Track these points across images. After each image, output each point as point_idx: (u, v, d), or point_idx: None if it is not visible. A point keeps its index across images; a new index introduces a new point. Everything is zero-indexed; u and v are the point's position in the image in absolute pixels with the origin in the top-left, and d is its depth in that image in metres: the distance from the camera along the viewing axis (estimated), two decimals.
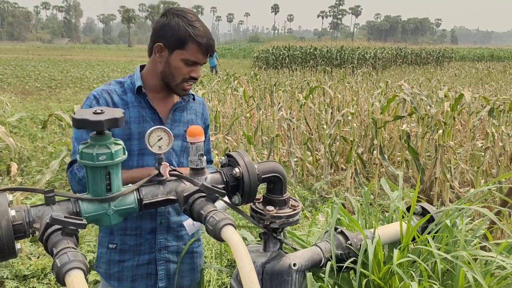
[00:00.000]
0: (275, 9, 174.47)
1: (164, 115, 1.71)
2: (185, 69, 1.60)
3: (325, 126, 6.58)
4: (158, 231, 1.70)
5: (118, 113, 1.04)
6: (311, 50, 28.85)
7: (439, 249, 1.30)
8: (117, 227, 1.66)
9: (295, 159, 6.35)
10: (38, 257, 3.64)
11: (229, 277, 1.87)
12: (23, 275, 3.37)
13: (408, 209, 1.50)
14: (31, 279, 3.34)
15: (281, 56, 28.71)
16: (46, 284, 3.30)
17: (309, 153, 6.56)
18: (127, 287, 1.72)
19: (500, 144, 6.30)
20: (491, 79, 19.03)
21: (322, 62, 27.91)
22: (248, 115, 7.44)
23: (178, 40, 1.57)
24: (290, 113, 8.47)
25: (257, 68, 25.64)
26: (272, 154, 6.19)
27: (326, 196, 5.36)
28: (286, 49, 29.22)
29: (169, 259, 1.74)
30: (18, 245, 0.98)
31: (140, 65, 1.76)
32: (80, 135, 1.65)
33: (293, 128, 7.38)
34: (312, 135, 7.47)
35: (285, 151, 6.77)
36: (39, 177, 4.38)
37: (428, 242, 1.30)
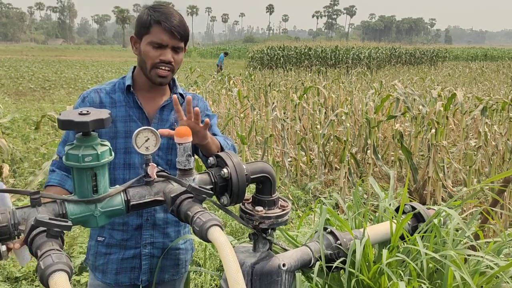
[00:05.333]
0: (270, 9, 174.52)
1: (151, 115, 1.71)
2: (152, 52, 1.60)
3: (319, 126, 6.59)
4: (144, 228, 1.72)
5: (104, 114, 1.03)
6: (306, 50, 28.91)
7: (427, 248, 1.30)
8: None
9: (289, 159, 6.35)
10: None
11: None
12: (14, 277, 3.35)
13: (398, 209, 1.50)
14: (23, 281, 3.32)
15: (276, 56, 28.74)
16: (37, 286, 3.28)
17: (303, 153, 6.56)
18: (111, 280, 1.74)
19: (493, 143, 6.34)
20: (485, 79, 19.14)
21: (317, 62, 27.98)
22: (242, 115, 7.44)
23: (143, 26, 1.60)
24: (284, 113, 8.48)
25: (251, 68, 25.63)
26: (266, 154, 6.19)
27: (320, 196, 5.37)
28: (280, 49, 29.25)
29: (154, 254, 1.75)
30: (3, 248, 0.98)
31: (134, 66, 1.77)
32: (66, 135, 1.69)
33: (287, 128, 7.39)
34: (306, 135, 7.48)
35: (279, 151, 6.77)
36: (32, 179, 4.34)
37: (417, 241, 1.30)
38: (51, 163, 1.74)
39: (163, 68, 1.60)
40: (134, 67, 1.76)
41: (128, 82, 1.68)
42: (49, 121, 8.32)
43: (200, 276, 3.38)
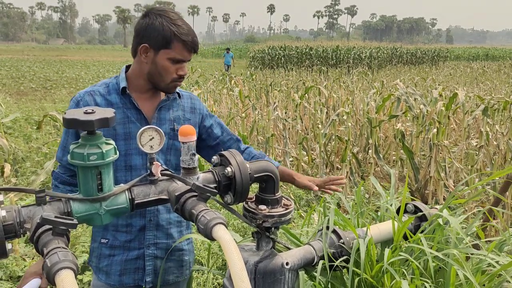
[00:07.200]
0: (271, 9, 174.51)
1: (150, 115, 1.70)
2: (172, 67, 1.61)
3: (320, 126, 6.59)
4: (148, 229, 1.72)
5: (109, 112, 1.03)
6: (307, 50, 28.92)
7: (431, 248, 1.31)
8: (110, 224, 1.67)
9: (290, 159, 6.36)
10: (32, 258, 3.62)
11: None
12: (17, 276, 3.36)
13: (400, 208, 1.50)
14: None
15: (277, 56, 28.76)
16: None
17: (305, 153, 6.57)
18: (114, 281, 1.73)
19: (494, 143, 6.34)
20: (486, 78, 19.12)
21: (318, 62, 27.99)
22: (243, 115, 7.45)
23: (164, 40, 1.58)
24: (285, 113, 8.49)
25: (253, 68, 25.65)
26: (267, 154, 6.19)
27: (321, 195, 5.37)
28: (282, 49, 29.27)
29: (157, 255, 1.75)
30: (9, 246, 0.98)
31: (126, 66, 1.74)
32: (65, 140, 1.70)
33: (289, 128, 7.39)
34: (307, 134, 7.48)
35: (280, 150, 6.78)
36: (34, 178, 4.36)
37: (421, 240, 1.30)
38: (52, 175, 1.73)
39: (180, 81, 1.66)
40: (126, 67, 1.74)
41: (122, 83, 1.66)
42: (50, 121, 8.34)
43: (202, 275, 3.39)
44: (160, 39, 1.58)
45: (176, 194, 1.09)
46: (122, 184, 1.14)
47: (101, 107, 1.61)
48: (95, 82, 18.32)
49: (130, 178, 1.64)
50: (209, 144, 1.86)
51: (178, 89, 1.79)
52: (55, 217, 0.91)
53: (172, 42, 1.57)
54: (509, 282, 1.28)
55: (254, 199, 1.31)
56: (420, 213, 1.49)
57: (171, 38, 1.57)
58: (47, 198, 1.03)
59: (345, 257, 1.32)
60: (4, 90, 15.35)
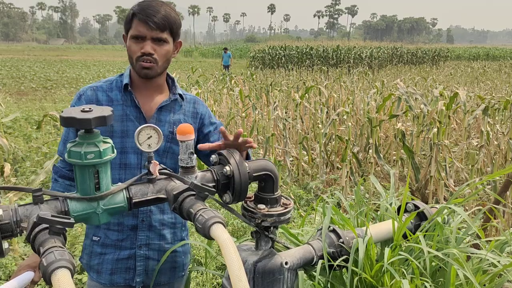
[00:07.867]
0: (272, 9, 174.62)
1: (149, 114, 1.68)
2: (134, 46, 1.60)
3: (320, 125, 6.58)
4: (140, 229, 1.70)
5: (106, 111, 1.03)
6: (307, 50, 28.89)
7: (430, 247, 1.30)
8: None
9: (290, 159, 6.35)
10: None
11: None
12: None
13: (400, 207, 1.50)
14: None
15: (277, 56, 28.74)
16: (39, 285, 3.28)
17: (305, 152, 6.56)
18: (105, 280, 1.72)
19: (495, 142, 6.32)
20: (487, 78, 19.10)
21: (318, 61, 27.96)
22: (244, 114, 7.44)
23: (126, 22, 1.62)
24: (286, 112, 8.48)
25: (253, 68, 25.64)
26: (267, 153, 6.18)
27: (321, 195, 5.36)
28: (282, 49, 29.25)
29: (149, 256, 1.73)
30: (5, 245, 0.98)
31: None
32: (66, 134, 1.68)
33: (289, 128, 7.38)
34: (307, 134, 7.47)
35: (280, 150, 6.77)
36: (33, 178, 4.36)
37: (420, 240, 1.29)
38: (53, 169, 1.72)
39: (145, 60, 1.59)
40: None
41: (125, 80, 1.66)
42: (51, 121, 8.34)
43: (201, 275, 3.38)
44: (125, 22, 1.64)
45: (174, 193, 1.08)
46: (119, 183, 1.13)
47: (102, 103, 1.63)
48: (95, 82, 18.35)
49: (125, 176, 1.63)
50: (203, 153, 1.83)
51: (183, 92, 1.77)
52: (52, 216, 0.91)
53: (132, 21, 1.59)
54: (510, 282, 1.27)
55: (253, 198, 1.30)
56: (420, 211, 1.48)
57: (130, 17, 1.60)
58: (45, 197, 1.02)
59: (344, 257, 1.31)
60: (5, 90, 15.35)
